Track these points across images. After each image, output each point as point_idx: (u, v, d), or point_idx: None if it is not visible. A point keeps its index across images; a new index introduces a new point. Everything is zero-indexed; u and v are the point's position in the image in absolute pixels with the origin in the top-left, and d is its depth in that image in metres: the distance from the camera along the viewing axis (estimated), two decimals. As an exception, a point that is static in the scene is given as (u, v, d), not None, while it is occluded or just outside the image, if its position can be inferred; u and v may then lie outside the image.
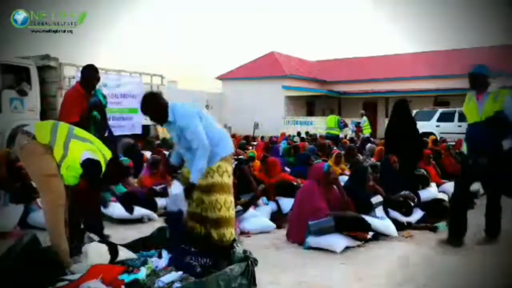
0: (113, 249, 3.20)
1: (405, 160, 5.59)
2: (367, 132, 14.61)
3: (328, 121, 13.23)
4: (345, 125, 13.89)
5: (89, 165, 3.15)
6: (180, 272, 2.92)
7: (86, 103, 4.15)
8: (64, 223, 3.19)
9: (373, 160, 7.96)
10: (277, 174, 5.74)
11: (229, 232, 3.46)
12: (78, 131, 3.30)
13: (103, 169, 3.23)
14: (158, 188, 5.70)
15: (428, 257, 3.89)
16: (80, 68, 10.89)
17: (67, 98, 4.31)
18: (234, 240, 3.43)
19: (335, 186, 4.68)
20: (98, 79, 4.40)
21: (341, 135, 13.92)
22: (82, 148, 3.18)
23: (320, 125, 21.01)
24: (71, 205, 3.34)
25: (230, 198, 3.53)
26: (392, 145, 5.93)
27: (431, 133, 14.06)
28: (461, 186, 4.41)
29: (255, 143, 12.94)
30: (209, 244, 3.40)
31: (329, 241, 3.98)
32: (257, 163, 6.61)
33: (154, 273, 2.90)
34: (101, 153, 3.26)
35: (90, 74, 4.28)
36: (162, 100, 3.41)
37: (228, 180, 3.52)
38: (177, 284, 2.74)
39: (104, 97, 4.47)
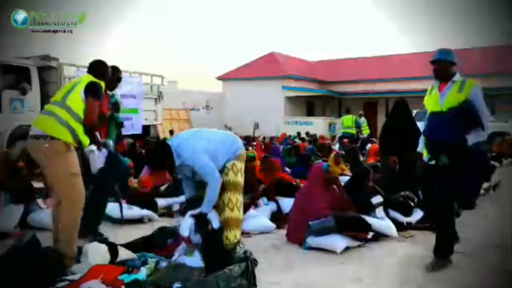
0: (113, 249, 3.20)
1: (403, 160, 5.59)
2: (366, 132, 14.62)
3: (345, 121, 13.43)
4: (360, 125, 14.06)
5: (95, 86, 3.34)
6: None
7: (106, 103, 4.30)
8: (78, 225, 3.25)
9: (369, 159, 7.98)
10: (277, 174, 5.74)
11: (238, 234, 3.45)
12: (56, 97, 3.37)
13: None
14: (161, 188, 5.73)
15: (428, 257, 3.88)
16: (81, 69, 10.90)
17: None
18: (238, 241, 3.42)
19: (335, 186, 4.69)
20: (119, 80, 4.56)
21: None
22: (77, 94, 3.26)
23: (320, 125, 21.04)
24: None
25: (241, 199, 3.52)
26: (388, 145, 5.92)
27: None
28: (433, 197, 3.73)
29: (255, 143, 12.96)
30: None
31: (329, 241, 3.98)
32: (257, 163, 6.61)
33: (157, 270, 2.90)
34: None
35: (112, 74, 4.37)
36: (164, 151, 3.35)
37: (241, 179, 3.52)
38: (177, 285, 2.74)
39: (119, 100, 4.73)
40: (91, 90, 3.31)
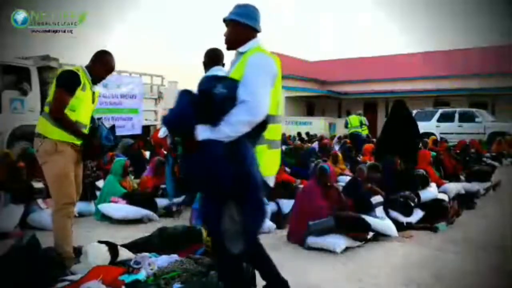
0: (113, 250, 3.20)
1: (403, 160, 5.63)
2: (364, 132, 14.68)
3: (353, 121, 13.59)
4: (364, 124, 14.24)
5: (62, 75, 3.17)
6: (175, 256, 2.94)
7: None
8: (70, 226, 3.22)
9: (365, 159, 8.01)
10: (282, 177, 5.73)
11: None
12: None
13: (81, 76, 3.17)
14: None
15: (428, 257, 3.89)
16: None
17: None
18: None
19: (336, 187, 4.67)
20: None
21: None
22: (53, 89, 3.15)
23: (320, 125, 21.04)
24: None
25: None
26: (388, 145, 5.95)
27: (431, 133, 14.08)
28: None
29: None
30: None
31: (329, 241, 3.98)
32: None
33: (155, 275, 2.90)
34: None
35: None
36: (213, 56, 3.37)
37: None
38: (177, 285, 2.75)
39: None
40: (58, 79, 3.17)
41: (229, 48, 2.45)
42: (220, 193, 2.14)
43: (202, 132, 2.11)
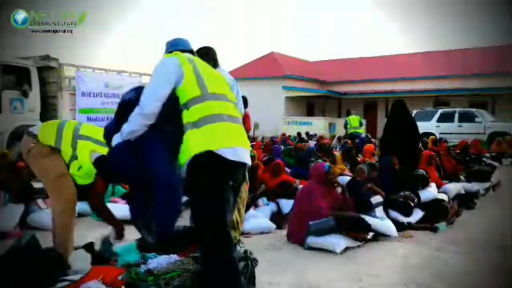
0: (90, 246, 3.19)
1: (403, 160, 5.62)
2: (360, 132, 14.76)
3: (352, 121, 13.71)
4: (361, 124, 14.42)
5: (102, 162, 3.04)
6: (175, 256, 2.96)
7: None
8: (73, 226, 3.19)
9: (364, 159, 8.01)
10: (282, 177, 5.73)
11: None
12: (84, 128, 3.18)
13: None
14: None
15: (428, 257, 3.89)
16: (81, 69, 10.88)
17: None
18: (239, 240, 3.42)
19: (339, 188, 4.65)
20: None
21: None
22: (88, 148, 3.07)
23: (320, 125, 21.05)
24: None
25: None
26: (390, 145, 5.95)
27: (431, 133, 14.08)
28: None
29: (254, 143, 12.99)
30: None
31: (329, 241, 3.98)
32: (259, 163, 6.60)
33: (152, 274, 2.89)
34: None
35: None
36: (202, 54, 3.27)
37: None
38: (177, 283, 2.75)
39: None
40: (102, 168, 3.07)
41: None
42: (133, 187, 2.47)
43: (114, 139, 2.43)
